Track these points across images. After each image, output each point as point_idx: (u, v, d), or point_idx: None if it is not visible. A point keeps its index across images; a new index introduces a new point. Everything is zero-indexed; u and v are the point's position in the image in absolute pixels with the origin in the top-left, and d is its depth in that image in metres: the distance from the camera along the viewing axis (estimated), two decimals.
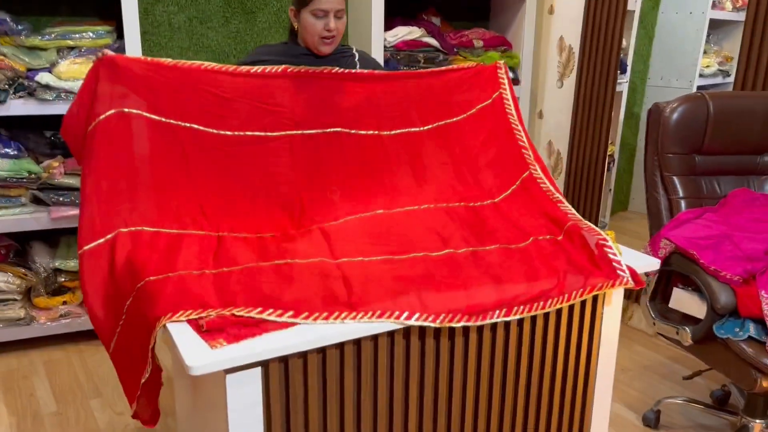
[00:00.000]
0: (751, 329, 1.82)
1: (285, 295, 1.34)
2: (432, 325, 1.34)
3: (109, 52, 1.63)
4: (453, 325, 1.36)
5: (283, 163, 1.78)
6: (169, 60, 1.71)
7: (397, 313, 1.32)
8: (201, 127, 1.70)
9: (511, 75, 3.17)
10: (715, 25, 4.70)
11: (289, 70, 1.82)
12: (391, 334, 1.33)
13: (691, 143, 2.18)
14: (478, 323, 1.40)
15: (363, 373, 1.32)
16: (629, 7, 3.06)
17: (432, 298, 1.39)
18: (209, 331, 1.21)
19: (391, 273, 1.46)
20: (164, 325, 1.25)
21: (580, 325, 1.59)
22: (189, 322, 1.25)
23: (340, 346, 1.28)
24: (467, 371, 1.45)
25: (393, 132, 1.94)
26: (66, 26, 2.49)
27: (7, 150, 2.44)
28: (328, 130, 1.84)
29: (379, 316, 1.31)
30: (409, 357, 1.37)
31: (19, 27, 2.40)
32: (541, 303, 1.47)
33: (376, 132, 1.92)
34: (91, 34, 2.48)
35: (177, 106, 1.67)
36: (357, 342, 1.30)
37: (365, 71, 1.96)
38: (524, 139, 1.99)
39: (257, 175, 1.74)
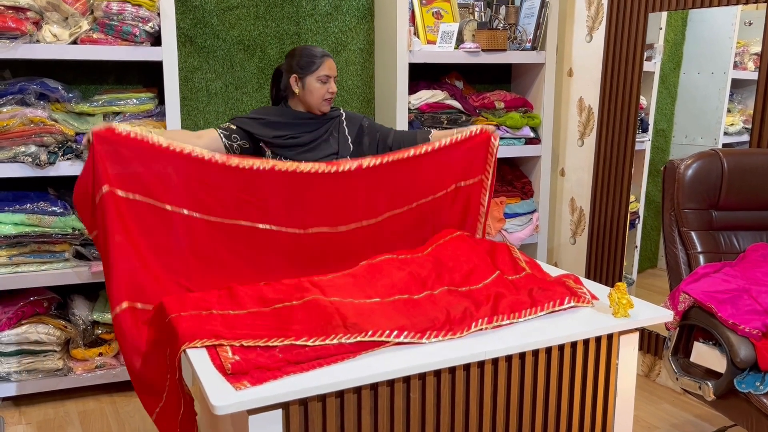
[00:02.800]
0: None
1: (286, 327, 1.46)
2: (421, 341, 1.46)
3: (112, 125, 1.76)
4: (441, 339, 1.47)
5: (271, 250, 1.91)
6: (161, 140, 1.79)
7: (387, 332, 1.45)
8: (188, 212, 1.81)
9: (531, 134, 3.28)
10: (737, 85, 4.77)
11: (276, 168, 1.89)
12: (407, 379, 1.39)
13: (707, 199, 2.22)
14: (465, 335, 1.50)
15: (380, 417, 1.38)
16: (649, 69, 3.16)
17: (418, 320, 1.52)
18: (234, 374, 1.29)
19: (380, 309, 1.58)
20: (193, 370, 1.34)
21: (595, 376, 1.62)
22: (215, 363, 1.34)
23: (358, 390, 1.35)
24: (483, 416, 1.49)
25: (374, 220, 2.04)
26: (112, 93, 2.68)
27: (54, 208, 2.60)
28: (310, 230, 1.95)
29: (372, 335, 1.43)
30: (425, 400, 1.42)
31: (70, 95, 2.60)
32: (517, 313, 1.60)
33: (359, 224, 2.02)
34: (135, 101, 2.67)
35: (166, 188, 1.78)
36: (374, 386, 1.36)
37: (352, 165, 2.00)
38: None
39: (246, 253, 1.88)
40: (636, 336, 1.65)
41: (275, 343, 1.39)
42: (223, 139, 2.20)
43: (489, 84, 3.54)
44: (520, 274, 1.82)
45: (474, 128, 2.23)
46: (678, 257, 2.25)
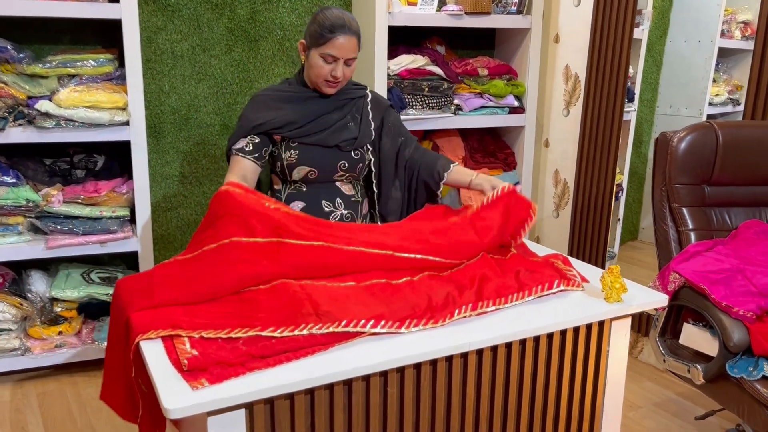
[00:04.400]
0: (765, 368, 1.74)
1: (251, 315, 1.33)
2: (399, 331, 1.33)
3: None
4: (421, 328, 1.35)
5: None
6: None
7: (363, 321, 1.31)
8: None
9: (516, 103, 3.14)
10: (724, 54, 4.67)
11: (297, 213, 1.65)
12: (384, 373, 1.27)
13: (700, 174, 2.12)
14: (447, 323, 1.38)
15: (354, 414, 1.26)
16: (636, 36, 3.02)
17: (397, 307, 1.38)
18: (191, 371, 1.16)
19: (355, 294, 1.44)
20: (146, 366, 1.20)
21: (585, 364, 1.52)
22: (171, 358, 1.20)
23: (330, 387, 1.22)
24: (465, 411, 1.38)
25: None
26: (67, 54, 2.48)
27: (5, 178, 2.41)
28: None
29: (346, 325, 1.30)
30: (404, 395, 1.30)
31: (21, 55, 2.40)
32: (503, 299, 1.48)
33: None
34: (92, 62, 2.47)
35: None
36: (347, 382, 1.24)
37: (376, 229, 1.73)
38: None
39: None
40: (628, 321, 1.55)
41: (238, 334, 1.26)
42: (255, 161, 1.97)
43: (472, 50, 3.38)
44: (506, 256, 1.71)
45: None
46: (668, 234, 2.15)
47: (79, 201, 2.52)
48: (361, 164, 2.04)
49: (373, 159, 2.07)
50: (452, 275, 1.57)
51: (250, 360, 1.20)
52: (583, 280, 1.61)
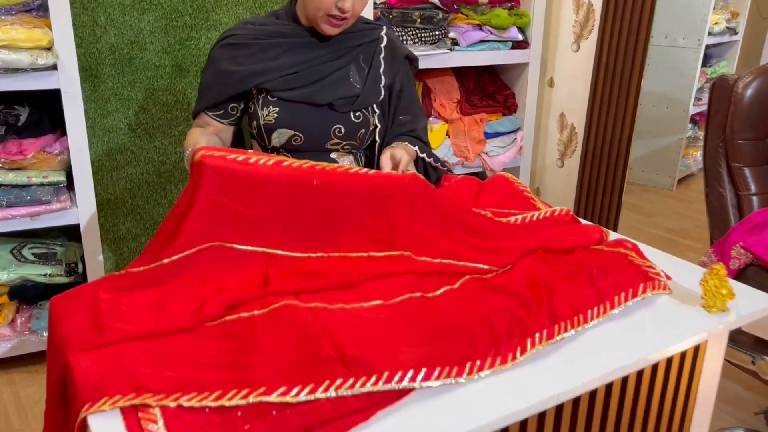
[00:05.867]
0: None
1: (248, 363, 0.93)
2: (459, 380, 0.95)
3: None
4: (488, 373, 0.97)
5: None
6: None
7: (411, 372, 0.92)
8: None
9: (520, 37, 2.72)
10: None
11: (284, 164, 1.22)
12: None
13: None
14: (520, 360, 1.00)
15: None
16: None
17: (449, 342, 1.00)
18: None
19: (387, 320, 1.05)
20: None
21: (676, 390, 1.19)
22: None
23: None
24: None
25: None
26: None
27: None
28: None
29: (388, 380, 0.90)
30: None
31: None
32: (581, 316, 1.10)
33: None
34: None
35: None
36: None
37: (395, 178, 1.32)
38: None
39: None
40: (726, 334, 1.21)
41: (235, 401, 0.86)
42: (218, 119, 1.59)
43: None
44: (563, 244, 1.33)
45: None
46: (725, 199, 1.81)
47: (0, 165, 2.03)
48: (363, 130, 1.57)
49: (380, 126, 1.61)
50: (504, 280, 1.19)
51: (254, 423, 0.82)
52: (667, 277, 1.26)
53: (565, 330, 1.06)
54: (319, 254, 1.22)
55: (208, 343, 0.99)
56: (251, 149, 1.63)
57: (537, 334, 1.03)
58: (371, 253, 1.22)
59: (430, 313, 1.07)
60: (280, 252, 1.19)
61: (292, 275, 1.16)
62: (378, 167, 1.58)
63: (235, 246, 1.17)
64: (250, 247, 1.18)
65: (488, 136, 2.77)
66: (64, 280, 2.21)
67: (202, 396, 0.87)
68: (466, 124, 2.73)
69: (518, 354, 1.00)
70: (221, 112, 1.56)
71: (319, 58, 1.52)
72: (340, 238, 1.22)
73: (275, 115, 1.51)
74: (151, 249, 1.14)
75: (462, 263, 1.23)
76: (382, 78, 1.57)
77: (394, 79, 1.60)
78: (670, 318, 1.14)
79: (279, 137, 1.53)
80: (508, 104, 2.83)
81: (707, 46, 4.16)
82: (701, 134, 4.68)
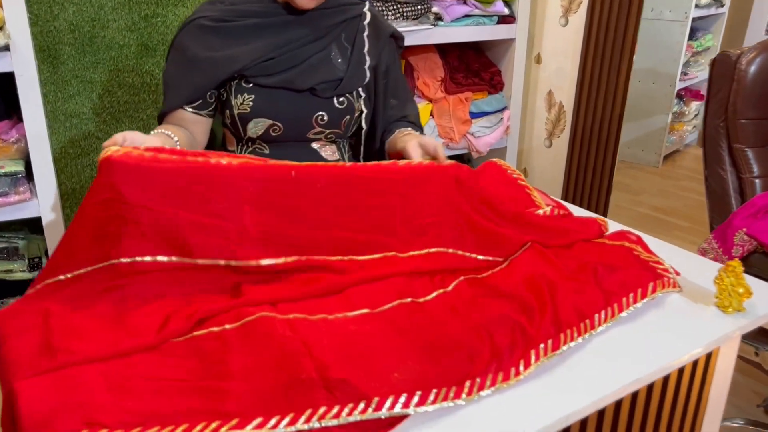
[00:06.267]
0: None
1: (219, 389, 0.82)
2: (458, 402, 0.84)
3: None
4: (490, 392, 0.86)
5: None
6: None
7: (404, 396, 0.81)
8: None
9: (506, 11, 2.60)
10: None
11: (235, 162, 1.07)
12: None
13: None
14: (524, 375, 0.90)
15: None
16: None
17: (449, 361, 0.89)
18: None
19: (375, 333, 0.94)
20: None
21: (687, 396, 1.10)
22: None
23: None
24: None
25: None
26: None
27: None
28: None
29: (378, 407, 0.79)
30: None
31: None
32: (588, 322, 1.01)
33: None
34: None
35: None
36: None
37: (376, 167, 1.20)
38: None
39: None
40: (739, 337, 1.13)
41: None
42: (195, 111, 1.42)
43: None
44: (563, 238, 1.23)
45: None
46: (726, 181, 1.72)
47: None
48: (348, 117, 1.44)
49: (366, 111, 1.48)
50: (501, 280, 1.09)
51: None
52: (676, 273, 1.16)
53: (572, 339, 0.96)
54: (301, 258, 1.09)
55: (174, 364, 0.88)
56: (220, 142, 1.50)
57: (542, 345, 0.93)
58: (352, 257, 1.10)
59: (423, 323, 0.97)
60: (252, 263, 1.06)
61: (268, 282, 1.05)
62: (365, 157, 1.46)
63: (197, 261, 1.04)
64: (210, 261, 1.05)
65: (474, 116, 2.65)
66: (27, 275, 2.07)
67: (168, 430, 0.76)
68: (451, 104, 2.61)
69: (522, 368, 0.90)
70: (199, 102, 1.40)
71: (299, 40, 1.38)
72: (321, 239, 1.10)
73: (251, 103, 1.37)
74: (87, 246, 1.01)
75: (451, 251, 1.13)
76: (367, 59, 1.44)
77: (380, 59, 1.46)
78: (683, 320, 1.05)
79: (255, 127, 1.39)
80: (494, 82, 2.71)
81: (694, 20, 4.07)
82: (687, 110, 4.61)
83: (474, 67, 2.73)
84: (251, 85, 1.36)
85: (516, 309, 0.99)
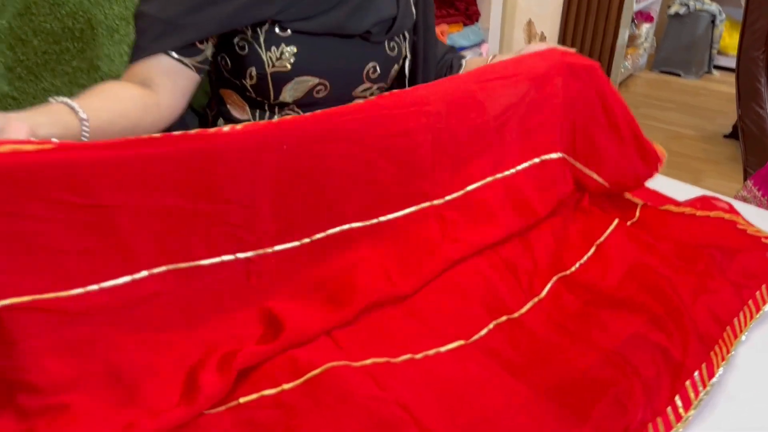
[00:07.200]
0: None
1: None
2: None
3: None
4: None
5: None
6: None
7: None
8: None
9: None
10: None
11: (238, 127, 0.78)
12: None
13: None
14: (686, 418, 0.70)
15: None
16: None
17: (591, 410, 0.67)
18: None
19: (481, 373, 0.72)
20: None
21: None
22: None
23: None
24: None
25: None
26: None
27: None
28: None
29: None
30: None
31: None
32: (729, 329, 0.81)
33: None
34: None
35: None
36: None
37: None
38: None
39: None
40: None
41: None
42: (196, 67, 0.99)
43: None
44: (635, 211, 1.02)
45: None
46: (764, 120, 1.55)
47: None
48: (396, 66, 1.15)
49: (410, 57, 1.18)
50: (599, 279, 0.87)
51: None
52: None
53: (722, 358, 0.76)
54: (316, 237, 0.82)
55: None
56: (214, 107, 1.17)
57: (696, 373, 0.72)
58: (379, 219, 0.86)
59: (537, 354, 0.74)
60: (269, 250, 0.79)
61: (293, 286, 0.79)
62: None
63: (201, 263, 0.76)
64: (216, 259, 0.77)
65: None
66: None
67: None
68: None
69: (681, 408, 0.69)
70: (191, 48, 0.98)
71: None
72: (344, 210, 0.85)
73: (291, 59, 1.01)
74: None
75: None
76: None
77: None
78: None
79: (295, 89, 1.04)
80: (469, 12, 2.43)
81: None
82: (639, 33, 4.48)
83: None
84: (289, 32, 1.01)
85: (645, 322, 0.78)
